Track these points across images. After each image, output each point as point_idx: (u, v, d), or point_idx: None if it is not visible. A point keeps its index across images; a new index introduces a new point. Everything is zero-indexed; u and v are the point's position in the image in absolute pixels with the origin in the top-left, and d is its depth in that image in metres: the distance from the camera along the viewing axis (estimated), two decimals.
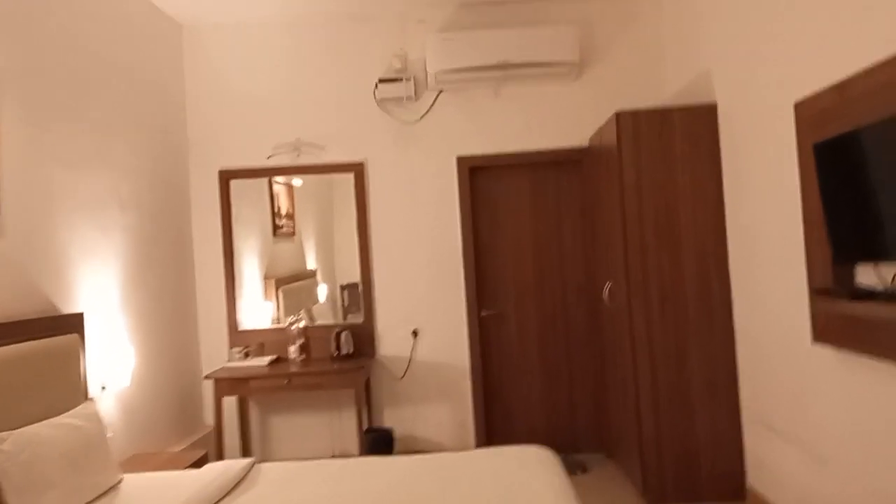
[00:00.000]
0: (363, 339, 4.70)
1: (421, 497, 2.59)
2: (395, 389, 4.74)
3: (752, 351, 3.50)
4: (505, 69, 4.49)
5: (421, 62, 4.72)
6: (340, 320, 4.82)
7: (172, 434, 4.29)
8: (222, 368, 4.42)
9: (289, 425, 4.78)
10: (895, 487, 2.35)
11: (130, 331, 3.92)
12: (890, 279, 2.24)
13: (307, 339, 4.69)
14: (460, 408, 4.72)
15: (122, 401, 3.77)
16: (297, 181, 4.91)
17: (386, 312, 4.77)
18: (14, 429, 2.56)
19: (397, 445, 4.57)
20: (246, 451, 4.70)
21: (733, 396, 3.69)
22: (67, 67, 3.49)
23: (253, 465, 3.13)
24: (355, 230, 4.80)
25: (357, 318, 4.79)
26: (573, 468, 4.39)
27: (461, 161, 4.75)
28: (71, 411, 2.92)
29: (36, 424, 2.67)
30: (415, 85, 4.70)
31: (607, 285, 4.18)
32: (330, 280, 4.89)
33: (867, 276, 2.40)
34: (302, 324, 4.68)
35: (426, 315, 4.74)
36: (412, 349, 4.74)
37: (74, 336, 3.20)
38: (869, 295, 2.23)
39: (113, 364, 3.62)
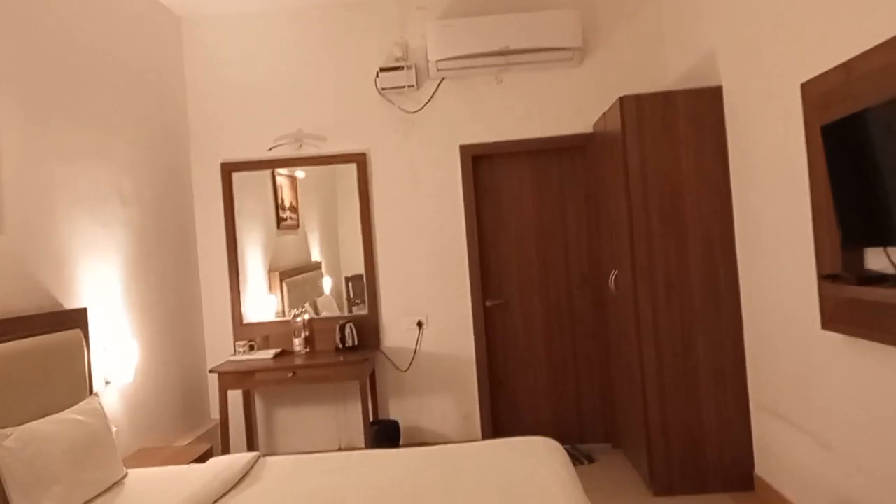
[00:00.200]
0: (368, 331, 4.68)
1: (427, 489, 2.57)
2: (400, 381, 4.72)
3: (758, 337, 3.46)
4: (507, 55, 4.44)
5: (422, 50, 4.67)
6: (346, 312, 4.80)
7: (177, 428, 4.29)
8: (227, 362, 4.41)
9: (294, 418, 4.77)
10: None
11: (134, 325, 3.91)
12: None
13: (312, 331, 4.67)
14: (466, 399, 4.70)
15: (127, 396, 3.76)
16: (300, 173, 4.88)
17: (390, 304, 4.74)
18: (18, 425, 2.55)
19: (403, 437, 4.56)
20: (251, 445, 4.69)
21: (740, 384, 3.65)
22: (66, 62, 3.46)
23: (258, 458, 3.11)
24: (359, 221, 4.77)
25: (362, 310, 4.77)
26: (579, 459, 4.37)
27: (464, 149, 4.70)
28: (75, 407, 2.92)
29: (39, 420, 2.66)
30: (416, 73, 4.65)
31: (613, 273, 4.14)
32: (335, 272, 4.87)
33: (877, 260, 2.35)
34: (306, 316, 4.66)
35: (431, 306, 4.72)
36: (417, 340, 4.72)
37: (77, 331, 3.19)
38: (879, 280, 2.19)
39: (116, 359, 3.61)
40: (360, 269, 4.79)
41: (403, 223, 4.74)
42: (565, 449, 3.04)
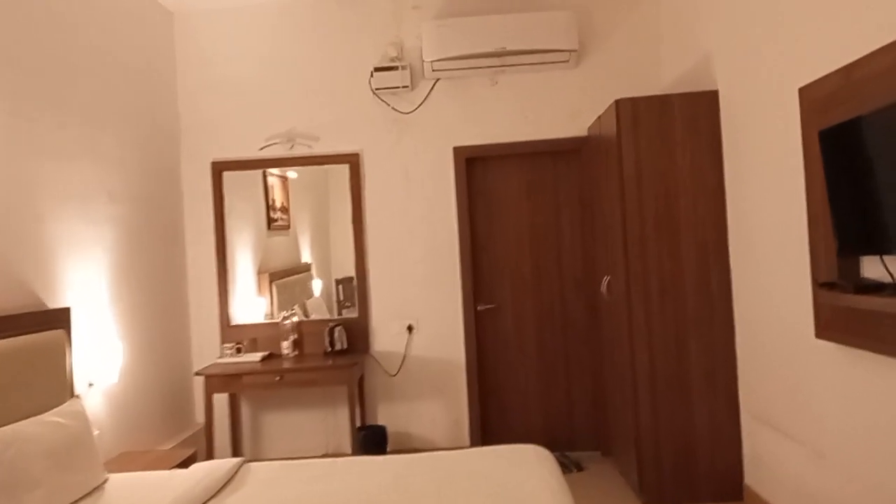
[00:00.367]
0: (357, 335, 4.62)
1: (414, 498, 2.52)
2: (389, 385, 4.66)
3: (751, 345, 3.42)
4: (502, 56, 4.39)
5: (417, 50, 4.62)
6: (335, 315, 4.74)
7: (161, 432, 4.22)
8: (213, 364, 4.34)
9: (281, 423, 4.70)
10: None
11: (119, 326, 3.84)
12: None
13: (300, 334, 4.61)
14: (455, 404, 4.64)
15: (110, 398, 3.69)
16: (292, 173, 4.82)
17: (381, 307, 4.68)
18: None
19: (390, 443, 4.50)
20: (236, 450, 4.62)
21: (732, 391, 3.60)
22: (55, 57, 3.40)
23: (241, 464, 3.05)
24: (350, 223, 4.71)
25: (351, 313, 4.71)
26: (569, 467, 4.31)
27: (458, 151, 4.65)
28: (56, 409, 2.87)
29: (20, 422, 2.62)
30: (411, 73, 4.60)
31: (606, 279, 4.09)
32: (325, 274, 4.81)
33: (873, 269, 2.31)
34: (295, 319, 4.60)
35: (422, 309, 4.66)
36: (407, 344, 4.66)
37: (61, 332, 3.14)
38: (877, 288, 2.15)
39: (101, 360, 3.55)
40: (350, 271, 4.74)
41: (395, 225, 4.69)
42: (555, 457, 2.98)
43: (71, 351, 3.21)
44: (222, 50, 4.75)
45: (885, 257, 2.20)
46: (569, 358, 4.70)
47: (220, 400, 4.59)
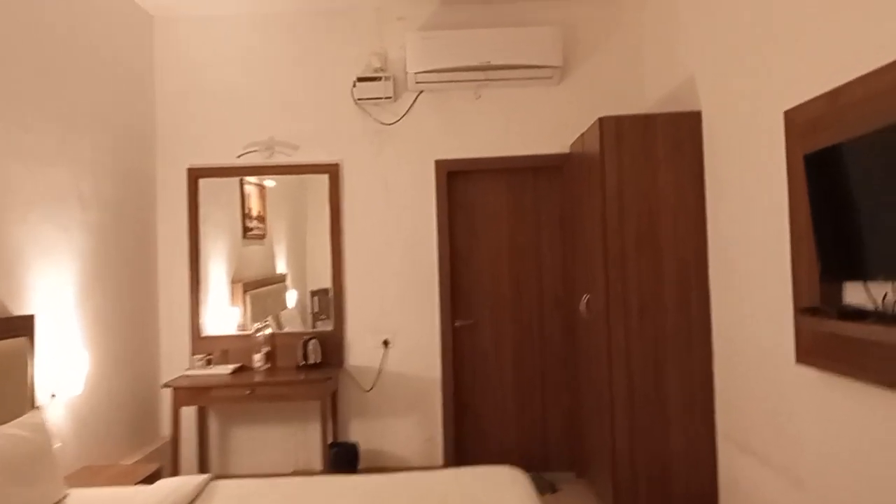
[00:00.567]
0: (332, 348, 4.53)
1: None
2: (362, 401, 4.57)
3: (729, 368, 3.39)
4: (486, 71, 4.37)
5: (401, 61, 4.58)
6: (310, 327, 4.65)
7: (126, 445, 4.08)
8: (182, 376, 4.22)
9: (250, 437, 4.58)
10: None
11: (85, 334, 3.72)
12: (881, 299, 2.13)
13: (273, 346, 4.51)
14: (429, 422, 4.56)
15: (73, 409, 3.56)
16: (269, 182, 4.74)
17: (357, 320, 4.60)
18: None
19: (362, 460, 4.40)
20: (203, 465, 4.50)
21: (709, 414, 3.57)
22: (28, 57, 3.30)
23: (209, 481, 2.96)
24: (328, 234, 4.63)
25: (326, 325, 4.62)
26: (543, 488, 4.25)
27: (439, 165, 4.61)
28: (16, 420, 2.77)
29: None
30: (394, 85, 4.56)
31: (585, 297, 4.05)
32: (300, 285, 4.72)
33: (855, 295, 2.29)
34: (269, 331, 4.50)
35: (398, 324, 4.58)
36: (382, 359, 4.58)
37: (23, 339, 3.04)
38: (861, 315, 2.12)
39: (65, 370, 3.43)
40: (326, 282, 4.65)
41: (374, 238, 4.62)
42: (530, 477, 2.92)
43: (33, 360, 3.10)
44: (203, 55, 4.67)
45: (869, 283, 2.18)
46: (545, 376, 4.65)
47: (188, 413, 4.47)
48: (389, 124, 4.64)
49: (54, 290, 3.45)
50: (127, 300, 4.18)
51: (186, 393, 4.04)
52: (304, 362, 4.36)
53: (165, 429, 4.50)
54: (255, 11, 4.64)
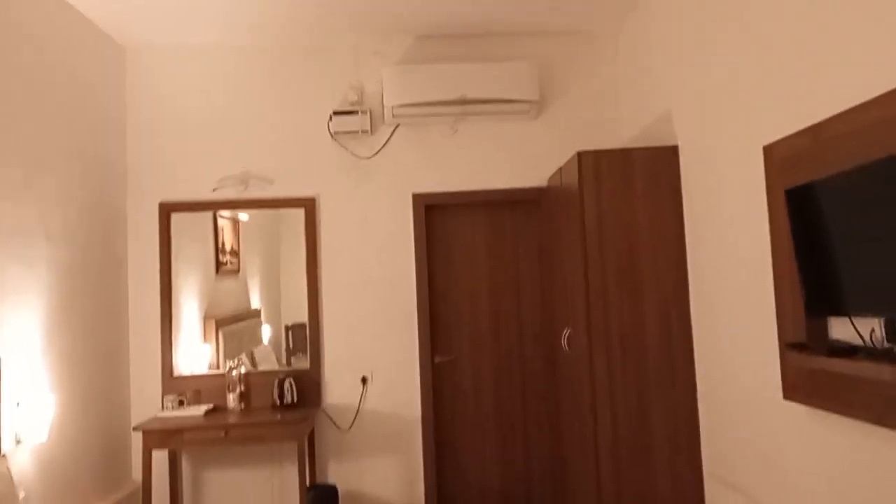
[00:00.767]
0: (308, 387, 4.42)
1: None
2: (341, 441, 4.45)
3: (713, 404, 3.36)
4: (463, 105, 4.36)
5: (377, 95, 4.56)
6: (284, 363, 4.53)
7: (94, 491, 3.91)
8: (154, 418, 4.08)
9: (224, 481, 4.43)
10: None
11: (53, 377, 3.57)
12: (868, 334, 2.12)
13: (248, 385, 4.39)
14: (410, 461, 4.45)
15: (40, 456, 3.40)
16: (243, 216, 4.65)
17: (334, 358, 4.50)
18: None
19: (341, 503, 4.27)
20: None
21: (695, 451, 3.53)
22: None
23: None
24: (304, 268, 4.56)
25: (302, 361, 4.52)
26: None
27: (416, 198, 4.57)
28: None
29: None
30: (371, 118, 4.53)
31: (566, 331, 4.02)
32: (275, 320, 4.62)
33: (841, 330, 2.28)
34: (243, 369, 4.38)
35: (376, 361, 4.49)
36: (361, 397, 4.48)
37: None
38: (849, 351, 2.10)
39: (30, 415, 3.27)
40: (301, 317, 4.56)
41: (351, 272, 4.55)
42: None
43: None
44: (176, 88, 4.60)
45: (855, 318, 2.17)
46: (527, 412, 4.58)
47: (159, 457, 4.31)
48: (366, 158, 4.60)
49: (19, 331, 3.32)
50: (96, 340, 4.04)
51: (158, 436, 3.89)
52: (279, 402, 4.24)
53: (136, 473, 4.32)
54: (229, 44, 4.60)
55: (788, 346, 2.41)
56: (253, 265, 4.67)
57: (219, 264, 4.58)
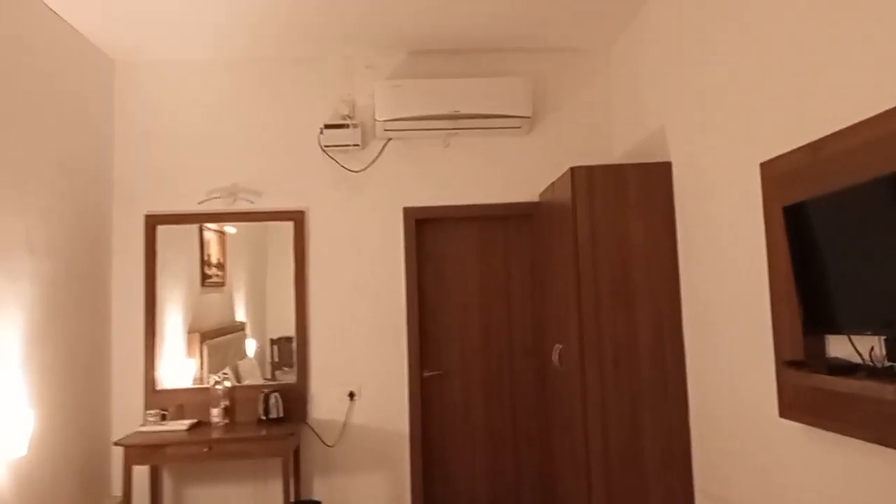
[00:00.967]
0: (295, 401, 4.35)
1: None
2: (327, 457, 4.37)
3: (706, 421, 3.34)
4: (455, 120, 4.35)
5: (369, 109, 4.53)
6: (269, 376, 4.46)
7: None
8: (135, 433, 3.99)
9: (207, 497, 4.33)
10: None
11: (33, 391, 3.48)
12: (867, 353, 2.10)
13: (232, 400, 4.31)
14: (397, 477, 4.38)
15: (17, 472, 3.31)
16: (230, 228, 4.59)
17: (321, 372, 4.43)
18: None
19: None
20: None
21: (687, 468, 3.50)
22: None
23: None
24: (291, 282, 4.50)
25: (287, 376, 4.45)
26: None
27: (408, 212, 4.54)
28: None
29: None
30: (362, 132, 4.50)
31: (557, 347, 3.99)
32: (260, 334, 4.55)
33: (839, 347, 2.26)
34: (227, 384, 4.30)
35: (364, 375, 4.43)
36: (348, 412, 4.41)
37: None
38: (849, 369, 2.09)
39: (8, 430, 3.18)
40: (287, 331, 4.50)
41: (340, 286, 4.50)
42: None
43: None
44: (165, 100, 4.55)
45: (854, 337, 2.16)
46: (517, 428, 4.54)
47: (141, 471, 4.20)
48: (357, 171, 4.57)
49: (0, 345, 3.23)
50: (78, 353, 3.95)
51: (140, 451, 3.80)
52: (265, 417, 4.16)
53: (117, 488, 4.22)
54: (219, 57, 4.57)
55: (786, 364, 2.39)
56: (239, 278, 4.61)
57: (204, 277, 4.52)
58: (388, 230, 4.54)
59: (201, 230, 4.53)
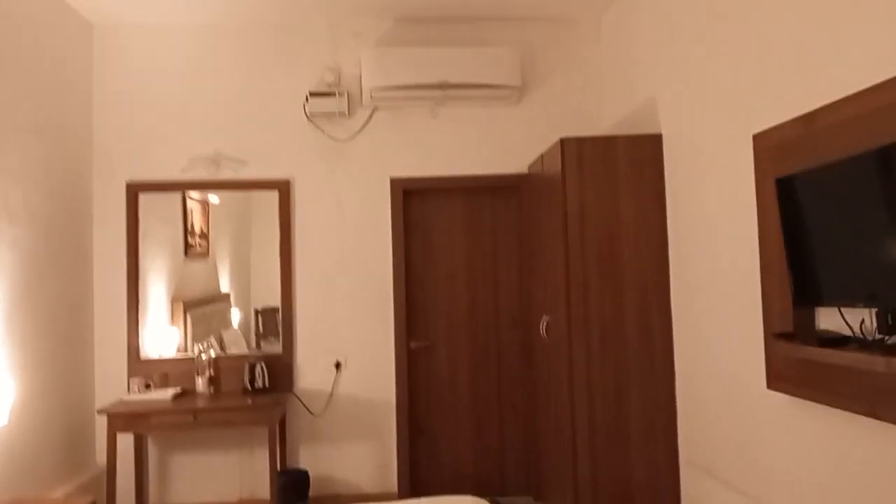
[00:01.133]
0: (280, 371, 4.33)
1: None
2: (312, 426, 4.37)
3: (692, 392, 3.37)
4: (444, 89, 4.29)
5: (355, 77, 4.46)
6: (254, 346, 4.44)
7: (56, 475, 3.78)
8: (119, 402, 3.96)
9: (191, 465, 4.32)
10: None
11: (14, 359, 3.42)
12: (858, 325, 2.12)
13: (217, 370, 4.28)
14: (383, 447, 4.39)
15: None
16: (213, 198, 4.52)
17: (307, 342, 4.41)
18: None
19: (313, 488, 4.19)
20: (141, 496, 4.20)
21: (672, 438, 3.54)
22: None
23: None
24: (276, 252, 4.46)
25: (272, 346, 4.43)
26: None
27: (394, 183, 4.49)
28: None
29: None
30: (348, 100, 4.43)
31: (544, 319, 3.99)
32: (244, 304, 4.52)
33: (828, 319, 2.28)
34: (212, 353, 4.27)
35: (351, 346, 4.42)
36: (334, 382, 4.40)
37: None
38: (840, 341, 2.10)
39: None
40: (271, 301, 4.47)
41: (326, 256, 4.46)
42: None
43: None
44: (146, 65, 4.44)
45: (844, 309, 2.17)
46: (502, 399, 4.56)
47: (125, 440, 4.18)
48: (343, 141, 4.50)
49: None
50: (59, 321, 3.89)
51: (123, 419, 3.78)
52: (251, 386, 4.14)
53: (101, 457, 4.18)
54: (202, 22, 4.45)
55: (776, 336, 2.41)
56: (223, 248, 4.56)
57: (188, 246, 4.46)
58: (375, 200, 4.50)
59: (184, 199, 4.46)
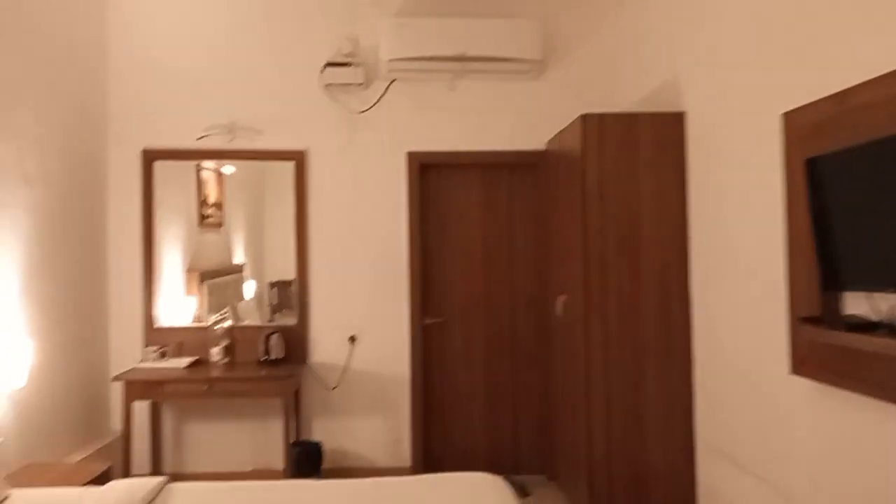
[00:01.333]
0: (295, 343, 4.33)
1: None
2: (326, 399, 4.38)
3: (711, 376, 3.33)
4: (463, 62, 4.22)
5: (373, 48, 4.39)
6: (267, 319, 4.44)
7: (73, 441, 3.82)
8: (134, 369, 3.98)
9: (206, 434, 4.35)
10: None
11: (32, 322, 3.44)
12: (886, 311, 2.07)
13: (233, 340, 4.29)
14: (396, 422, 4.41)
15: (17, 402, 3.30)
16: (228, 168, 4.50)
17: (321, 315, 4.41)
18: None
19: (326, 461, 4.22)
20: (156, 462, 4.25)
21: (689, 421, 3.52)
22: None
23: (164, 484, 2.75)
24: (291, 224, 4.44)
25: (286, 318, 4.43)
26: (515, 491, 4.14)
27: (411, 157, 4.45)
28: None
29: None
30: (365, 71, 4.37)
31: (561, 298, 3.96)
32: (258, 276, 4.51)
33: (855, 305, 2.23)
34: (227, 323, 4.27)
35: (365, 320, 4.41)
36: (348, 356, 4.40)
37: None
38: (868, 327, 2.06)
39: (7, 360, 3.14)
40: (285, 274, 4.46)
41: (341, 229, 4.43)
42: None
43: None
44: (162, 31, 4.40)
45: (874, 294, 2.12)
46: (517, 377, 4.55)
47: (141, 408, 4.21)
48: (360, 112, 4.46)
49: None
50: (75, 287, 3.91)
51: (139, 386, 3.80)
52: (265, 357, 4.15)
53: (116, 424, 4.22)
54: None
55: (802, 320, 2.36)
56: (237, 220, 4.55)
57: (202, 216, 4.45)
58: (391, 173, 4.46)
59: (199, 169, 4.44)
